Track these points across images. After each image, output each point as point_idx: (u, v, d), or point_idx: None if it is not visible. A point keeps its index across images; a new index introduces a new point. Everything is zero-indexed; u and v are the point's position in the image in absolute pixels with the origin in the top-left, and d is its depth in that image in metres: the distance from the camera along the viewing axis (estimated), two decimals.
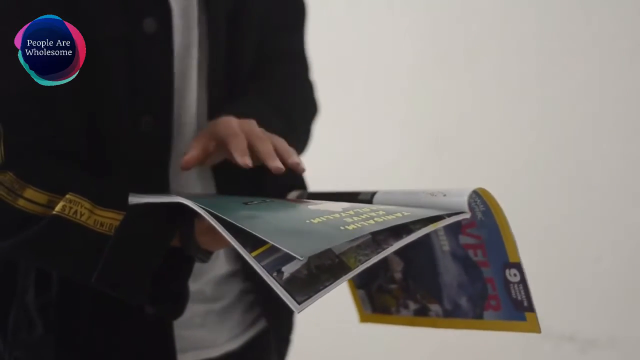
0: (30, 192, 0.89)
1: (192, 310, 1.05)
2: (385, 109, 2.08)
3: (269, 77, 1.11)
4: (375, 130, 2.09)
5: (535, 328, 0.86)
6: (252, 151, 0.91)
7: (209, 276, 1.06)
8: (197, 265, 0.97)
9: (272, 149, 0.91)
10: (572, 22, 1.82)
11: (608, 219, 1.82)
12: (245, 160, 0.89)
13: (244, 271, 1.10)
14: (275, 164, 0.89)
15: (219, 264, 1.08)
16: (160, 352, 1.00)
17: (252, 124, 0.95)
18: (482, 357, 1.96)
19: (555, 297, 1.87)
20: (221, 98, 1.05)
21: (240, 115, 0.97)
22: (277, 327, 1.14)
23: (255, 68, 1.10)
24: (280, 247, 0.72)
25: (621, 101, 1.79)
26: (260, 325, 1.15)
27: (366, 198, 0.91)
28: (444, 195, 0.85)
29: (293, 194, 1.02)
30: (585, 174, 1.84)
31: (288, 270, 0.73)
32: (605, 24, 1.78)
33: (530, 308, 0.86)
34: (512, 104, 1.91)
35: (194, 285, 1.04)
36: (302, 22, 1.17)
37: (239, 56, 1.06)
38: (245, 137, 0.92)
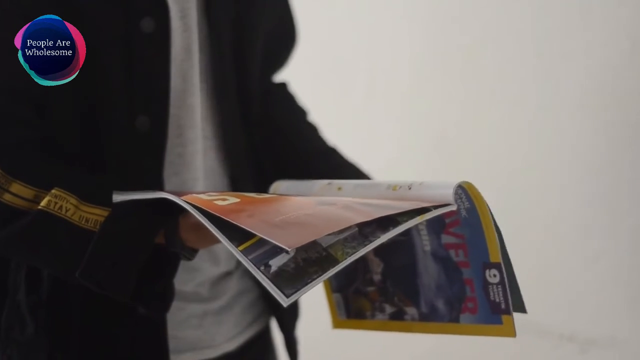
0: (16, 187, 0.89)
1: (189, 311, 1.05)
2: (386, 109, 2.08)
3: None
4: (375, 130, 2.09)
5: (511, 332, 0.85)
6: None
7: (204, 277, 1.06)
8: (193, 266, 0.97)
9: None
10: (572, 21, 1.82)
11: (608, 218, 1.82)
12: None
13: (240, 271, 1.10)
14: None
15: (215, 264, 1.08)
16: (152, 353, 1.00)
17: None
18: (480, 356, 1.96)
19: (555, 297, 1.87)
20: (230, 105, 1.06)
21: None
22: (283, 320, 1.14)
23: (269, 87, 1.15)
24: (267, 239, 0.72)
25: (622, 101, 1.79)
26: (258, 326, 1.15)
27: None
28: (409, 188, 0.85)
29: (278, 184, 1.04)
30: (585, 174, 1.84)
31: (275, 263, 0.73)
32: (605, 23, 1.78)
33: (507, 311, 0.85)
34: (513, 103, 1.91)
35: (189, 286, 1.04)
36: (290, 55, 1.22)
37: (247, 64, 1.07)
38: None
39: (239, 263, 1.08)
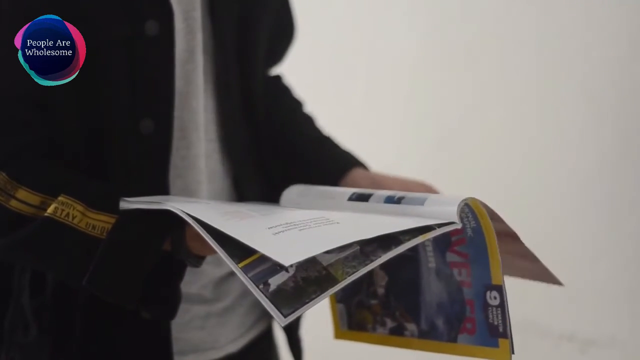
0: (22, 193, 0.89)
1: (192, 312, 1.04)
2: (386, 110, 2.07)
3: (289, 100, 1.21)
4: (376, 131, 2.09)
5: (506, 356, 0.84)
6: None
7: (208, 278, 1.06)
8: (196, 268, 0.96)
9: None
10: (572, 21, 1.82)
11: (608, 218, 1.82)
12: None
13: None
14: None
15: (217, 266, 1.07)
16: (157, 355, 0.99)
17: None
18: None
19: (555, 297, 1.87)
20: (233, 106, 1.05)
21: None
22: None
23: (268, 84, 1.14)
24: (265, 254, 0.71)
25: (622, 102, 1.79)
26: (261, 327, 1.15)
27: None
28: (415, 200, 0.84)
29: (294, 189, 1.03)
30: (585, 174, 1.84)
31: (275, 282, 0.72)
32: (605, 23, 1.78)
33: (505, 334, 0.84)
34: (513, 104, 1.91)
35: (193, 288, 1.04)
36: (288, 49, 1.21)
37: (251, 64, 1.07)
38: None
39: None
